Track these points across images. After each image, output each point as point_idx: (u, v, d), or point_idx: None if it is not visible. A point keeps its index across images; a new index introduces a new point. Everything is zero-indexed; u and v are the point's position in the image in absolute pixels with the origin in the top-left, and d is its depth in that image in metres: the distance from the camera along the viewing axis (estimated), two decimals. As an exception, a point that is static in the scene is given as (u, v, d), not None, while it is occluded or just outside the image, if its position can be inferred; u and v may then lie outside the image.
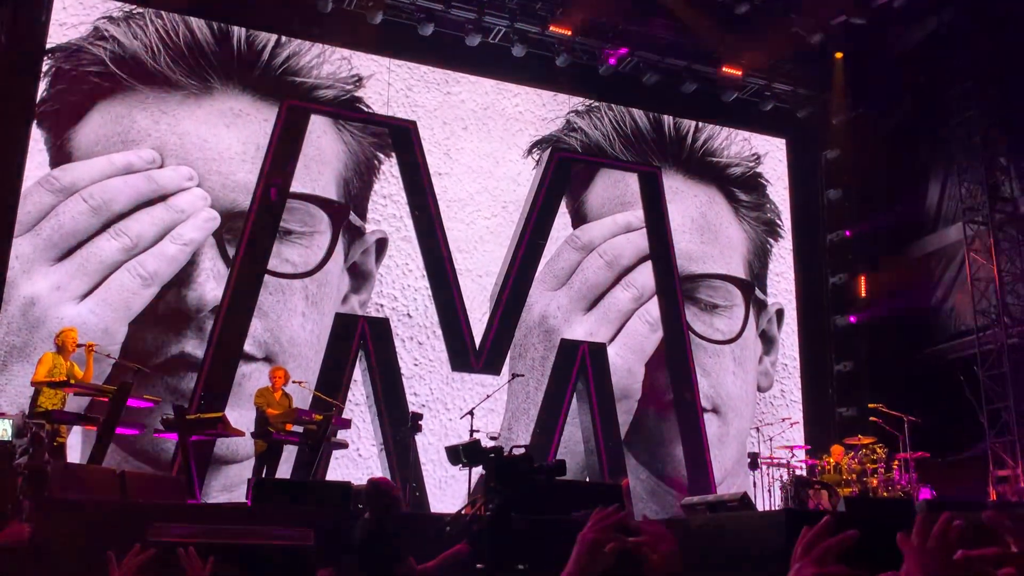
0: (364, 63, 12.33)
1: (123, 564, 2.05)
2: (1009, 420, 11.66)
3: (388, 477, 9.96)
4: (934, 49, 12.74)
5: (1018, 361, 11.90)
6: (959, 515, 1.20)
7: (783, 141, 14.93)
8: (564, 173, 13.16)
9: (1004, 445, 11.59)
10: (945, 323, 13.31)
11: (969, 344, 12.52)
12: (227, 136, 11.34)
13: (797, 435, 12.84)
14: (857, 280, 14.35)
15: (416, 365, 11.73)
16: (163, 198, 10.86)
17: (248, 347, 10.84)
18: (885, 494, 9.83)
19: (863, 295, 14.19)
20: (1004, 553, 1.12)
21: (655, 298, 13.10)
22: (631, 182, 13.55)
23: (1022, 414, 11.62)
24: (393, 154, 12.22)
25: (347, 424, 9.42)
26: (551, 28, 12.67)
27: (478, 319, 12.15)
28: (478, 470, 8.43)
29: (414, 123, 12.40)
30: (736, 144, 14.41)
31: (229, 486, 10.25)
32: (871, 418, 10.68)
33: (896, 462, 10.20)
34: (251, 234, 11.11)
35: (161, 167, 10.94)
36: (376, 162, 12.14)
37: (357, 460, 11.00)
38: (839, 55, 13.88)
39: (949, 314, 13.30)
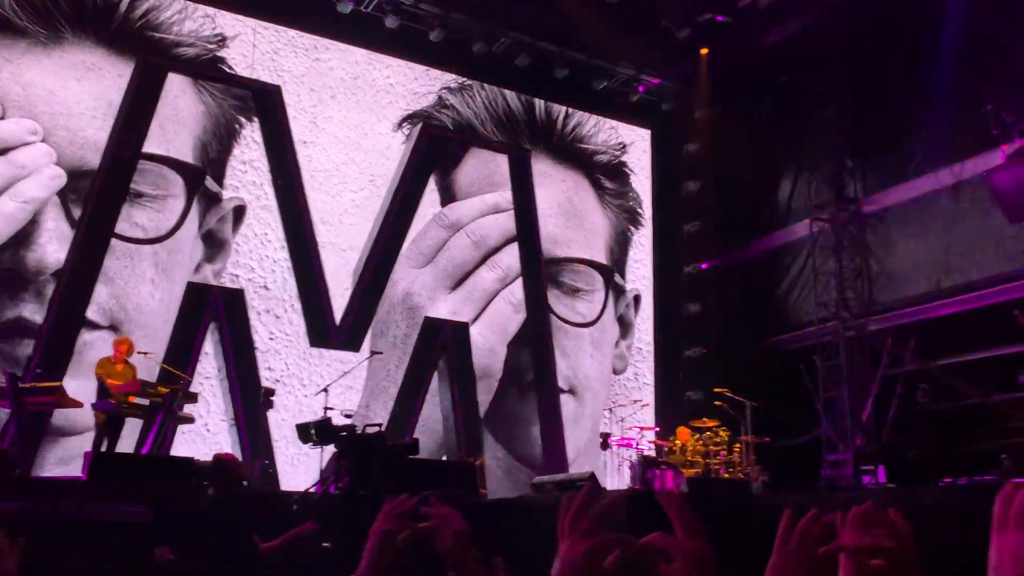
0: (228, 22, 11.83)
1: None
2: (843, 409, 12.41)
3: (236, 454, 9.69)
4: (794, 51, 13.31)
5: (853, 353, 12.67)
6: (826, 512, 1.21)
7: (648, 132, 15.32)
8: (434, 149, 13.07)
9: (837, 432, 12.33)
10: (789, 314, 14.02)
11: (810, 335, 13.23)
12: (77, 90, 10.67)
13: (648, 417, 13.28)
14: (709, 269, 14.95)
15: (272, 339, 11.42)
16: (3, 152, 10.14)
17: (91, 314, 10.29)
18: (726, 475, 10.30)
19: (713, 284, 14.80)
20: (872, 546, 1.14)
21: (519, 279, 13.22)
22: (501, 163, 13.60)
23: (855, 402, 12.39)
24: (256, 119, 11.80)
25: (195, 398, 9.08)
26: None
27: (339, 294, 11.93)
28: (331, 448, 8.32)
29: (279, 88, 12.00)
30: (604, 132, 14.68)
31: (66, 459, 9.71)
32: (716, 402, 11.15)
33: (737, 445, 10.69)
34: (99, 195, 10.52)
35: (1, 118, 10.20)
36: (237, 126, 11.69)
37: (205, 435, 10.64)
38: (704, 51, 14.31)
39: (793, 306, 14.01)
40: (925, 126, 11.82)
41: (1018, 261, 10.87)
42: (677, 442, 10.75)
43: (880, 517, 1.14)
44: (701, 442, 10.64)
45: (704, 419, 11.16)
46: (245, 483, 5.41)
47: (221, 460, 5.34)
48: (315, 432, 5.93)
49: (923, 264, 12.17)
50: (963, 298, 11.51)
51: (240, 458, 9.95)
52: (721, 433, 10.69)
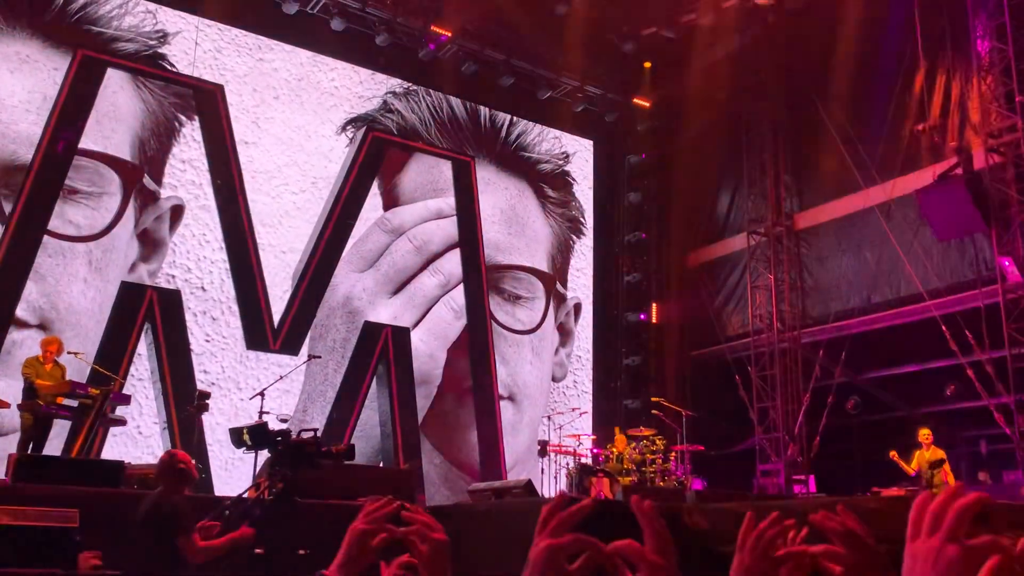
0: (171, 19, 11.64)
1: None
2: (776, 418, 12.68)
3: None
4: (735, 67, 13.59)
5: (786, 364, 12.96)
6: (788, 514, 1.28)
7: (591, 142, 15.48)
8: (378, 154, 13.02)
9: (770, 441, 12.59)
10: (726, 325, 14.28)
11: (745, 346, 13.50)
12: (10, 82, 10.40)
13: (586, 424, 13.38)
14: (648, 280, 15.15)
15: (208, 341, 11.24)
16: (-71, 144, 9.83)
17: (21, 312, 10.00)
18: (662, 483, 10.43)
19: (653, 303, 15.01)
20: (828, 550, 1.21)
21: (461, 285, 13.23)
22: (445, 169, 13.60)
23: (788, 413, 12.66)
24: (196, 117, 11.62)
25: (127, 400, 8.88)
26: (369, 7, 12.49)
27: (278, 296, 11.80)
28: (265, 453, 8.21)
29: (221, 87, 11.84)
30: (548, 141, 14.79)
31: (-10, 461, 9.41)
32: (653, 411, 11.29)
33: (673, 454, 10.84)
34: (31, 191, 10.25)
35: (-71, 110, 9.89)
36: (177, 124, 11.50)
37: (137, 438, 10.42)
38: (647, 64, 14.52)
39: (730, 317, 14.27)
40: (858, 144, 12.16)
41: (945, 278, 11.24)
42: (615, 450, 10.85)
43: (837, 523, 1.21)
44: (637, 451, 10.76)
45: (641, 427, 11.29)
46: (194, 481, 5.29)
47: (173, 456, 5.22)
48: (249, 436, 5.83)
49: (854, 279, 12.51)
50: (892, 312, 11.86)
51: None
52: (657, 441, 10.83)
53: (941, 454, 9.98)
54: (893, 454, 10.19)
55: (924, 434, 10.12)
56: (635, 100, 15.06)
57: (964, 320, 10.68)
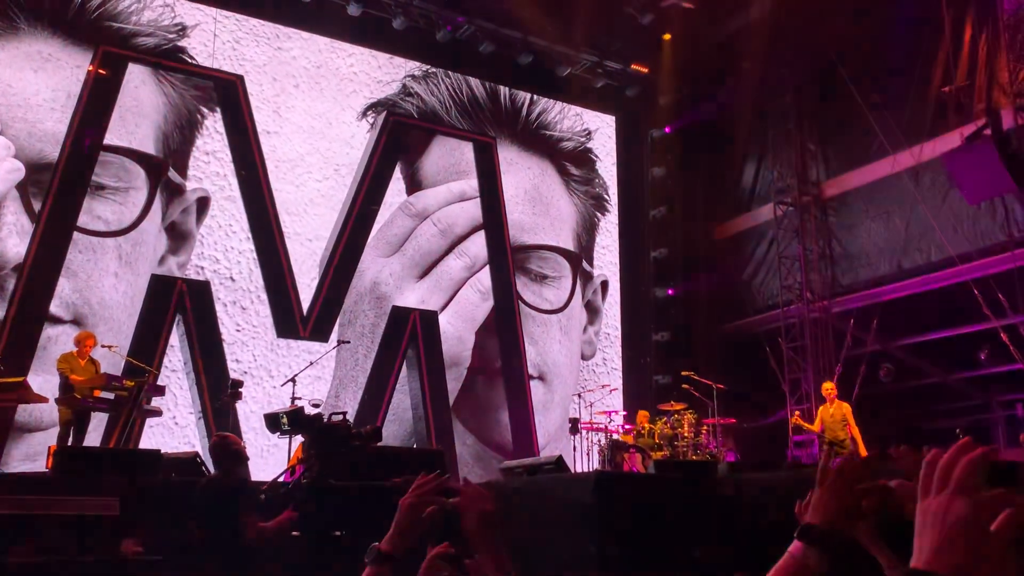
0: (188, 11, 11.70)
1: None
2: (808, 389, 12.60)
3: (201, 450, 9.63)
4: (756, 37, 13.40)
5: (817, 335, 12.85)
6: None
7: (613, 118, 15.37)
8: (399, 138, 13.02)
9: (802, 412, 12.51)
10: (755, 297, 14.18)
11: (775, 317, 13.40)
12: (35, 81, 10.51)
13: (616, 401, 13.39)
14: (675, 255, 15.07)
15: (239, 331, 11.36)
16: (-41, 145, 9.97)
17: (54, 308, 10.16)
18: (694, 457, 10.41)
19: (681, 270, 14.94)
20: (903, 484, 1.35)
21: (487, 267, 13.24)
22: (466, 151, 13.59)
23: (819, 384, 12.57)
24: (218, 109, 11.69)
25: (161, 391, 9.01)
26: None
27: (306, 284, 11.88)
28: (298, 438, 8.30)
29: (241, 77, 11.90)
30: (569, 119, 14.71)
31: (32, 455, 9.61)
32: (683, 385, 11.27)
33: (704, 427, 10.81)
34: (59, 188, 10.38)
35: (-43, 112, 10.03)
36: (199, 116, 11.58)
37: (173, 428, 10.57)
38: (667, 36, 14.37)
39: (758, 289, 14.17)
40: (884, 109, 11.98)
41: (976, 242, 11.08)
42: (646, 426, 10.85)
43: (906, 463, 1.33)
44: (669, 425, 10.75)
45: (671, 402, 11.27)
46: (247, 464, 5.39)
47: (225, 439, 5.32)
48: (286, 420, 5.90)
49: (884, 246, 12.36)
50: (923, 279, 11.72)
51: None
52: (688, 415, 10.81)
53: (846, 408, 9.97)
54: (796, 417, 10.22)
55: (827, 387, 10.14)
56: (656, 74, 14.90)
57: (997, 283, 10.52)
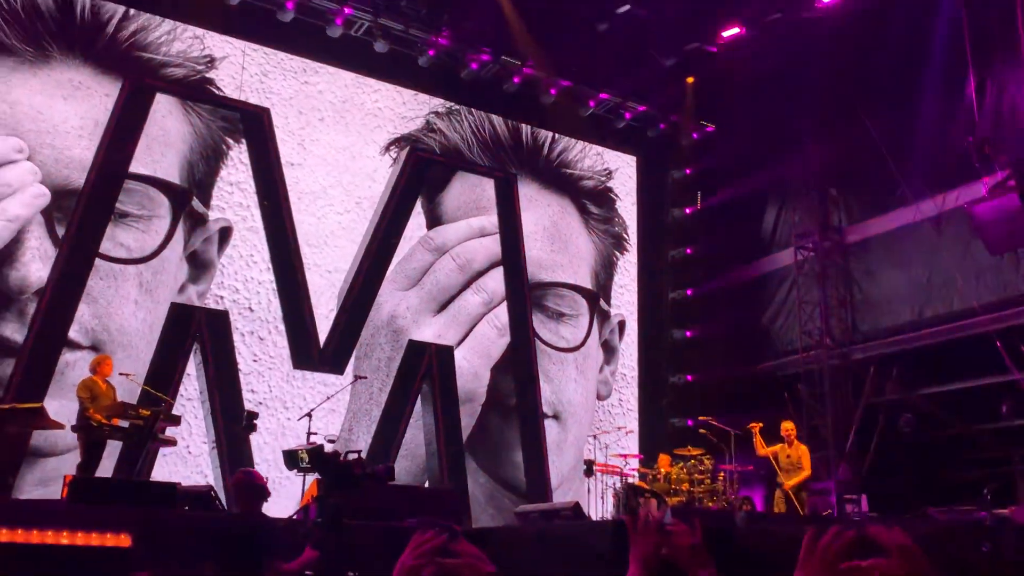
0: (217, 44, 11.85)
1: None
2: (826, 436, 12.44)
3: (213, 480, 9.60)
4: (779, 81, 13.44)
5: (837, 381, 12.72)
6: (848, 528, 1.33)
7: (634, 158, 15.41)
8: (421, 173, 13.09)
9: (820, 460, 12.34)
10: (774, 342, 14.07)
11: (794, 363, 13.27)
12: (64, 109, 10.64)
13: (632, 443, 13.26)
14: (694, 297, 15.01)
15: (255, 361, 11.35)
16: (-12, 170, 10.08)
17: (73, 334, 10.20)
18: (710, 504, 10.27)
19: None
20: (888, 562, 1.27)
21: (504, 303, 13.22)
22: (487, 187, 13.63)
23: (838, 431, 12.42)
24: (243, 140, 11.79)
25: (177, 421, 8.99)
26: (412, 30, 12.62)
27: (324, 316, 11.89)
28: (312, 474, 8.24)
29: (267, 110, 12.01)
30: (590, 158, 14.76)
31: (46, 480, 9.59)
32: (700, 430, 11.15)
33: (721, 473, 10.68)
34: (84, 214, 10.47)
35: (-13, 136, 10.15)
36: (224, 147, 11.68)
37: (187, 458, 10.54)
38: (690, 79, 14.44)
39: (778, 333, 14.06)
40: (908, 157, 11.95)
41: (998, 292, 10.99)
42: (662, 470, 10.73)
43: (889, 538, 1.28)
44: (685, 470, 10.62)
45: (688, 447, 11.15)
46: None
47: (250, 475, 5.29)
48: (307, 458, 5.87)
49: (905, 294, 12.26)
50: (945, 328, 11.60)
51: (222, 482, 9.88)
52: (705, 461, 10.68)
53: (803, 451, 9.99)
54: (755, 426, 10.14)
55: (787, 427, 10.13)
56: (678, 116, 14.96)
57: (1019, 335, 10.41)
